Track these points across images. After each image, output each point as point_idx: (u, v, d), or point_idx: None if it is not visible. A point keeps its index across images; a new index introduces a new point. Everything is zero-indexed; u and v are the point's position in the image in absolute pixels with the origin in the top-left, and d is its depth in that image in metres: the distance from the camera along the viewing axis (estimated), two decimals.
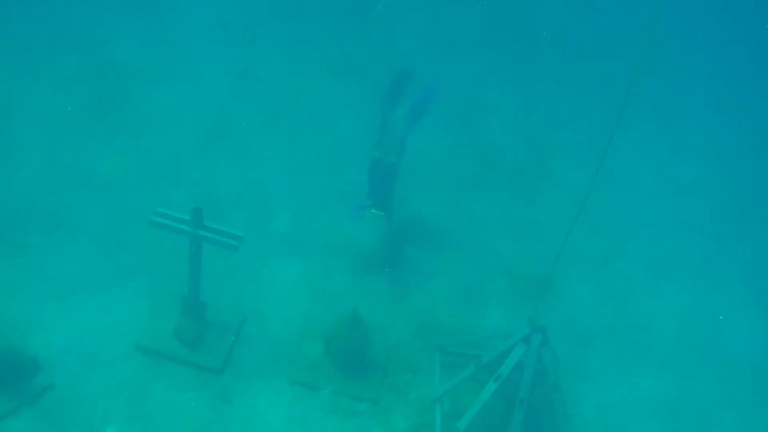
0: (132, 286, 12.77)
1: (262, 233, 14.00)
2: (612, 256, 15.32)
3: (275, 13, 20.58)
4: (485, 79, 20.10)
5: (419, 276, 14.08)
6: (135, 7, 19.43)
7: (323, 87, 17.91)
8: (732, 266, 15.93)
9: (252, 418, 11.22)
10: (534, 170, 17.49)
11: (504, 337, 10.96)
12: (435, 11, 21.38)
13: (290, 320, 12.79)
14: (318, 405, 11.55)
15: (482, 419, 10.82)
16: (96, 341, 11.90)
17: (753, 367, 13.68)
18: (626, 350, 13.53)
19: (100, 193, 14.15)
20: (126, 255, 13.18)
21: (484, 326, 13.11)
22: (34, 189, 13.91)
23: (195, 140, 15.91)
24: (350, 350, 11.65)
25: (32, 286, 12.38)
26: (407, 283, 13.84)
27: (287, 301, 13.12)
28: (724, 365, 13.63)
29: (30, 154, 14.66)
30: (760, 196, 17.95)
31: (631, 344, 13.65)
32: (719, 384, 13.21)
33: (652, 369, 13.31)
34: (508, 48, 21.12)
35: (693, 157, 18.68)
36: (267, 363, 12.10)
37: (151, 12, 19.34)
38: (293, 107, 16.87)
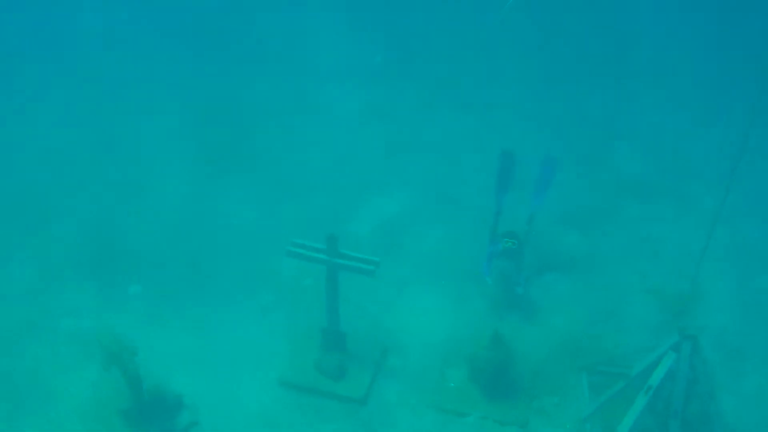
0: (272, 323, 13.77)
1: (395, 263, 14.62)
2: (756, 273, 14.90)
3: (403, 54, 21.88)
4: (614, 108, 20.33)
5: (558, 300, 14.33)
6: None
7: (445, 121, 18.77)
8: None
9: None
10: (668, 194, 17.65)
11: (652, 349, 11.01)
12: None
13: (431, 347, 13.22)
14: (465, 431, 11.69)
15: None
16: (238, 378, 12.74)
17: None
18: None
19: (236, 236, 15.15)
20: (265, 294, 14.18)
21: (628, 345, 13.12)
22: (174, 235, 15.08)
23: (326, 175, 17.17)
24: (494, 372, 11.93)
25: (175, 325, 13.45)
26: (546, 306, 14.12)
27: (425, 329, 13.59)
28: None
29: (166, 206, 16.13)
30: None
31: None
32: None
33: None
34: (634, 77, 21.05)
35: None
36: (410, 391, 12.50)
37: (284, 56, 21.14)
38: (418, 141, 17.77)
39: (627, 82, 20.76)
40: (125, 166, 17.57)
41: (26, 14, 21.37)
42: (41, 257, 15.07)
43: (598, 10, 22.02)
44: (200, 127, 18.39)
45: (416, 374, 12.81)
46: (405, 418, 12.08)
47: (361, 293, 13.62)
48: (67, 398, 12.11)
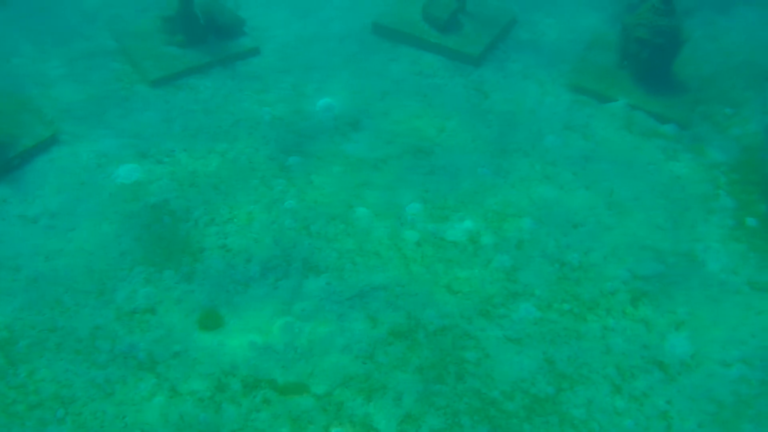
0: None
1: None
2: None
3: None
4: None
5: (736, 22, 12.53)
6: None
7: None
8: None
9: (516, 115, 9.90)
10: None
11: None
12: None
13: (574, 31, 11.61)
14: (605, 117, 9.98)
15: None
16: (323, 18, 11.36)
17: None
18: None
19: None
20: None
21: None
22: None
23: None
24: (658, 47, 9.89)
25: None
26: (725, 26, 12.42)
27: (570, 17, 11.97)
28: None
29: None
30: None
31: None
32: None
33: None
34: None
35: None
36: (540, 65, 10.80)
37: None
38: None
39: None
40: None
41: None
42: None
43: None
44: None
45: (551, 52, 11.12)
46: (528, 88, 10.38)
47: None
48: None
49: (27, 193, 7.93)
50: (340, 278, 7.34)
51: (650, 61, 9.83)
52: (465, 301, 7.33)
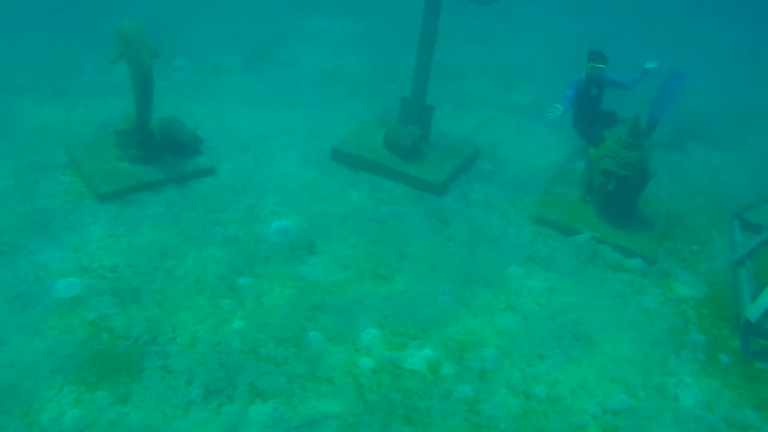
0: (339, 110, 12.79)
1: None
2: None
3: None
4: None
5: (699, 164, 13.19)
6: None
7: None
8: None
9: (478, 245, 9.78)
10: None
11: None
12: None
13: (537, 166, 11.88)
14: (569, 250, 9.86)
15: None
16: (281, 143, 11.43)
17: None
18: None
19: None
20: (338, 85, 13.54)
21: None
22: None
23: None
24: (624, 179, 9.88)
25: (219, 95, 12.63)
26: (689, 167, 12.97)
27: (534, 151, 12.40)
28: None
29: None
30: None
31: None
32: None
33: None
34: None
35: None
36: (503, 197, 10.84)
37: None
38: None
39: None
40: None
41: None
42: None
43: None
44: None
45: (513, 184, 11.23)
46: (491, 219, 10.25)
47: (459, 104, 13.17)
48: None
49: None
50: (288, 404, 6.87)
51: (616, 194, 9.77)
52: None
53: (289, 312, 7.89)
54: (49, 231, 8.64)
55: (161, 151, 9.84)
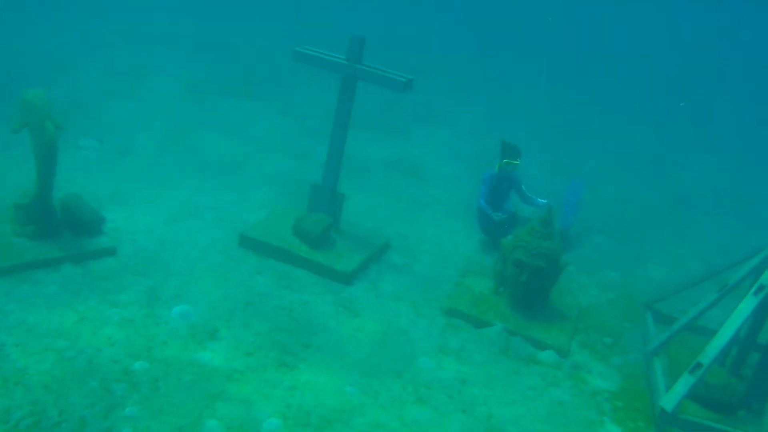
0: (248, 199, 12.76)
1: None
2: None
3: None
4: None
5: (609, 258, 13.44)
6: None
7: None
8: None
9: (388, 336, 9.55)
10: None
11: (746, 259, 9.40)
12: None
13: (449, 258, 11.92)
14: (481, 342, 9.72)
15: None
16: (188, 227, 11.21)
17: None
18: None
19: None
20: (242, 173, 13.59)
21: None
22: None
23: None
24: (537, 270, 9.93)
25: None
26: (599, 262, 13.19)
27: (446, 244, 12.45)
28: None
29: None
30: None
31: None
32: None
33: None
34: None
35: None
36: (413, 289, 10.69)
37: None
38: None
39: None
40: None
41: None
42: None
43: None
44: None
45: (424, 276, 11.13)
46: (401, 311, 10.09)
47: (370, 195, 13.40)
48: None
49: None
50: None
51: (529, 285, 9.74)
52: None
53: (186, 399, 7.49)
54: None
55: (61, 228, 9.43)
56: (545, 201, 12.38)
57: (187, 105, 16.54)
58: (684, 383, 8.26)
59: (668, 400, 8.20)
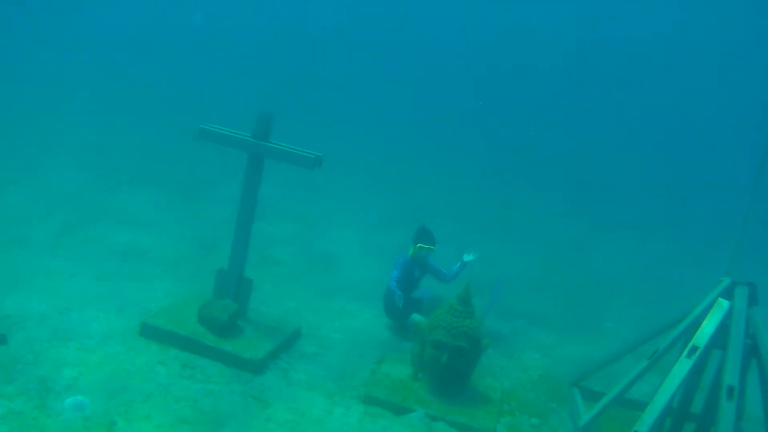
0: (154, 289, 12.16)
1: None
2: None
3: None
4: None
5: (529, 341, 13.21)
6: None
7: None
8: None
9: (301, 426, 8.98)
10: None
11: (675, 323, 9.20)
12: None
13: (363, 345, 11.48)
14: (402, 429, 9.22)
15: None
16: (84, 317, 10.58)
17: None
18: None
19: None
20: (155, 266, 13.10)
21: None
22: None
23: None
24: (457, 350, 9.64)
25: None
26: (520, 344, 12.91)
27: (360, 332, 12.00)
28: None
29: None
30: None
31: None
32: None
33: None
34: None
35: None
36: (328, 377, 10.20)
37: None
38: None
39: None
40: None
41: None
42: None
43: None
44: None
45: (339, 364, 10.67)
46: (315, 400, 9.53)
47: (278, 283, 13.16)
48: None
49: None
50: None
51: (450, 367, 9.37)
52: None
53: None
54: None
55: None
56: (470, 257, 12.28)
57: (82, 199, 16.10)
58: None
59: None
